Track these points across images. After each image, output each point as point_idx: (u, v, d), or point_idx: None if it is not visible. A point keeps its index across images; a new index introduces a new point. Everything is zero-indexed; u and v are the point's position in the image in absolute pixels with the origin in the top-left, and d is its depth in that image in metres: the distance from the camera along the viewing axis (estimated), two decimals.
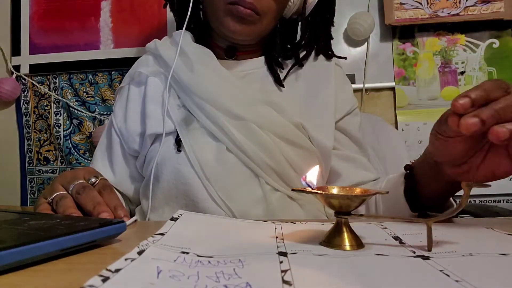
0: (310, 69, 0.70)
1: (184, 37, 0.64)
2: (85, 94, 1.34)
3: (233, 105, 0.59)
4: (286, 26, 0.72)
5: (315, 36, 0.71)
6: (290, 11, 0.68)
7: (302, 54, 0.70)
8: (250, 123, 0.58)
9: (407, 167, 0.51)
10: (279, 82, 0.67)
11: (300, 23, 0.72)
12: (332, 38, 0.74)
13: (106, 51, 1.33)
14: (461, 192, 0.32)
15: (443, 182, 0.45)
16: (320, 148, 0.62)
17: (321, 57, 0.72)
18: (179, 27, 0.68)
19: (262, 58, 0.70)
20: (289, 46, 0.73)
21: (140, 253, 0.26)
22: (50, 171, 1.37)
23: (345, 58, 0.75)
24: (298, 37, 0.73)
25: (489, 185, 0.37)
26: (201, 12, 0.73)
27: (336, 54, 0.73)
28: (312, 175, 0.33)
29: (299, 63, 0.69)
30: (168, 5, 0.76)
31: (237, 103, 0.60)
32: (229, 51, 0.69)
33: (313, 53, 0.71)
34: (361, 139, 0.71)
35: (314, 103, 0.66)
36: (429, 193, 0.48)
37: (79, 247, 0.29)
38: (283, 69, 0.69)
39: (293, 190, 0.33)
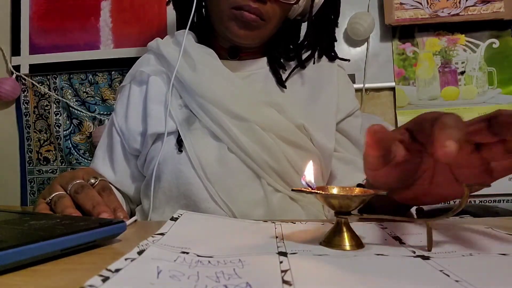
0: (313, 70, 0.70)
1: (187, 37, 0.64)
2: (85, 94, 1.34)
3: (235, 106, 0.59)
4: (289, 26, 0.72)
5: (319, 37, 0.71)
6: (295, 12, 0.68)
7: (304, 55, 0.70)
8: (253, 124, 0.58)
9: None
10: (281, 83, 0.67)
11: (304, 24, 0.72)
12: (336, 40, 0.74)
13: (106, 51, 1.33)
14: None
15: (393, 204, 0.42)
16: (321, 149, 0.62)
17: (324, 58, 0.72)
18: (180, 27, 0.68)
19: (265, 58, 0.70)
20: (291, 46, 0.73)
21: (140, 253, 0.26)
22: (50, 171, 1.37)
23: (348, 60, 0.75)
24: (301, 38, 0.73)
25: (489, 185, 0.37)
26: (203, 10, 0.73)
27: (338, 56, 0.73)
28: (310, 173, 0.33)
29: (302, 64, 0.69)
30: (172, 3, 0.76)
31: (240, 103, 0.60)
32: (232, 52, 0.69)
33: (316, 55, 0.71)
34: (362, 141, 0.71)
35: (316, 104, 0.66)
36: (384, 211, 0.46)
37: (79, 247, 0.29)
38: (286, 70, 0.69)
39: (292, 190, 0.33)
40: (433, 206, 0.47)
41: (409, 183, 0.38)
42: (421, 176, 0.37)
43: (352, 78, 1.25)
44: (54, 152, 1.37)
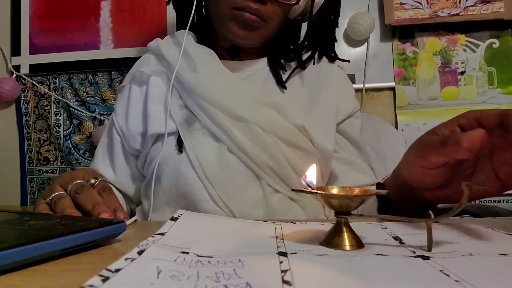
0: (313, 71, 0.70)
1: (187, 37, 0.64)
2: (85, 94, 1.34)
3: (235, 106, 0.59)
4: (290, 27, 0.72)
5: (319, 38, 0.71)
6: (295, 12, 0.68)
7: (305, 56, 0.70)
8: (253, 125, 0.58)
9: (378, 186, 0.50)
10: (281, 84, 0.67)
11: (305, 24, 0.72)
12: (336, 40, 0.73)
13: (106, 51, 1.33)
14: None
15: (418, 203, 0.43)
16: (321, 150, 0.62)
17: (324, 59, 0.72)
18: (180, 27, 0.68)
19: (265, 59, 0.70)
20: (291, 47, 0.73)
21: (140, 253, 0.26)
22: (50, 171, 1.37)
23: (349, 61, 0.75)
24: (301, 38, 0.73)
25: (489, 185, 0.37)
26: (203, 10, 0.73)
27: (338, 56, 0.73)
28: (312, 174, 0.33)
29: (302, 65, 0.69)
30: (171, 3, 0.76)
31: (240, 104, 0.60)
32: (232, 52, 0.69)
33: (316, 55, 0.71)
34: (361, 142, 0.71)
35: (316, 105, 0.66)
36: (405, 212, 0.45)
37: (79, 247, 0.29)
38: (286, 70, 0.69)
39: (293, 190, 0.33)
40: None
41: (449, 182, 0.39)
42: (461, 175, 0.38)
43: (352, 78, 1.25)
44: (54, 152, 1.37)
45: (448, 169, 0.37)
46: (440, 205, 0.47)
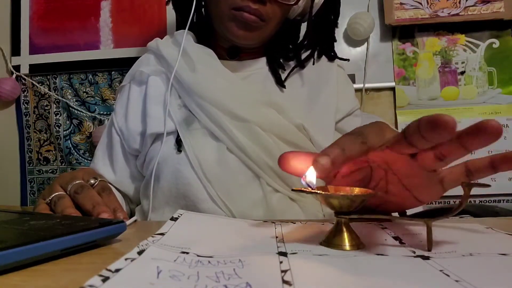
0: (312, 70, 0.70)
1: (186, 37, 0.64)
2: (85, 94, 1.34)
3: (235, 106, 0.59)
4: (289, 27, 0.72)
5: (318, 37, 0.71)
6: (295, 12, 0.68)
7: (304, 55, 0.70)
8: (252, 124, 0.58)
9: None
10: (280, 83, 0.67)
11: (304, 24, 0.72)
12: (336, 40, 0.74)
13: (106, 51, 1.33)
14: (461, 192, 0.32)
15: (367, 209, 0.43)
16: (321, 149, 0.62)
17: (323, 58, 0.72)
18: (180, 27, 0.68)
19: (264, 59, 0.70)
20: (291, 46, 0.73)
21: (140, 253, 0.26)
22: (50, 171, 1.37)
23: (348, 60, 0.75)
24: (300, 38, 0.73)
25: (489, 185, 0.37)
26: (203, 10, 0.73)
27: (338, 56, 0.73)
28: (311, 174, 0.33)
29: (301, 64, 0.69)
30: (171, 3, 0.76)
31: (239, 104, 0.60)
32: (232, 52, 0.69)
33: (315, 54, 0.71)
34: None
35: (315, 104, 0.66)
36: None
37: (79, 247, 0.29)
38: (285, 70, 0.69)
39: (293, 190, 0.33)
40: (433, 206, 0.47)
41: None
42: (376, 186, 0.37)
43: (352, 78, 1.25)
44: (54, 152, 1.37)
45: (348, 180, 0.37)
46: (440, 205, 0.47)
